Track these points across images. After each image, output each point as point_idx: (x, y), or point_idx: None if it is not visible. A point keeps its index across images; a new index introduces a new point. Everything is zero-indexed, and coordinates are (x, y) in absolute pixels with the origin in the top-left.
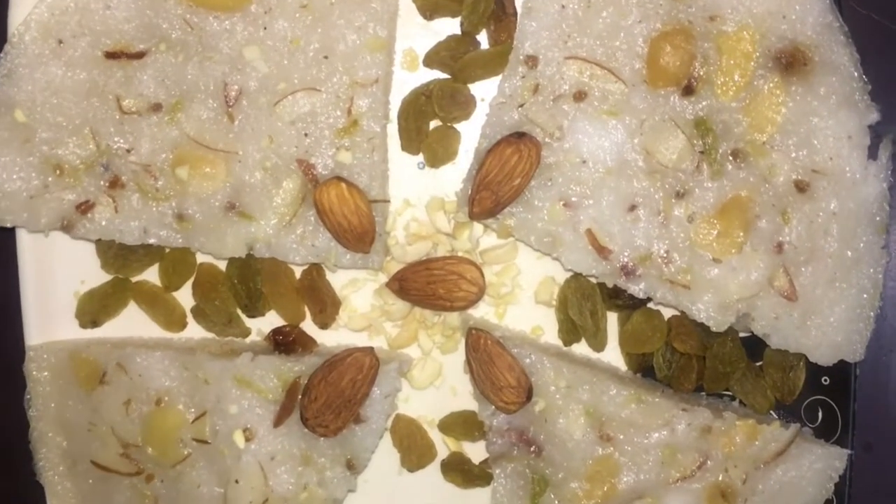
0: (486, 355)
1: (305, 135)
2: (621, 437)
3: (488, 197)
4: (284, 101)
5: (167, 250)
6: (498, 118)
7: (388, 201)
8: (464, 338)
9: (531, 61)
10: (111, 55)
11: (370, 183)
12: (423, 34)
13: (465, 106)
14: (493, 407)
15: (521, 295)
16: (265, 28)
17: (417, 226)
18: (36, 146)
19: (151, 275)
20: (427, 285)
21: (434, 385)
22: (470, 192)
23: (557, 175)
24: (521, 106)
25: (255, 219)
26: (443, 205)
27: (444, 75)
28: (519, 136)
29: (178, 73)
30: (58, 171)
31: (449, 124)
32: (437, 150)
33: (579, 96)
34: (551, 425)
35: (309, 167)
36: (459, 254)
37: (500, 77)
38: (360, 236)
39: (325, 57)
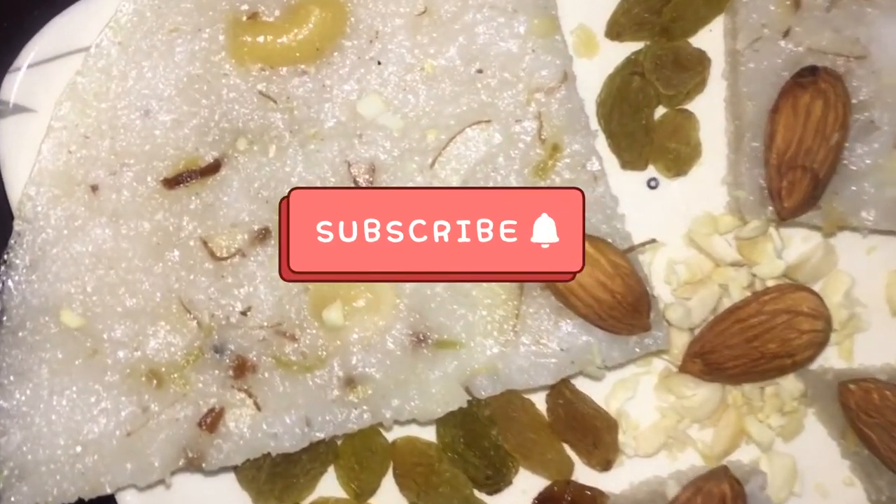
0: (891, 412)
1: None
2: None
3: (802, 177)
4: (444, 156)
5: (339, 443)
6: (758, 63)
7: (653, 241)
8: (813, 407)
9: None
10: (173, 182)
11: (610, 226)
12: (583, 2)
13: (699, 66)
14: None
15: (867, 314)
16: (378, 63)
17: (685, 269)
18: (109, 356)
19: (329, 486)
20: (748, 346)
21: (793, 492)
22: (765, 181)
23: (880, 110)
24: (787, 34)
25: (462, 343)
26: (714, 224)
27: (640, 44)
28: (812, 73)
29: (275, 175)
30: (154, 382)
31: (679, 108)
32: (678, 151)
33: None
34: None
35: None
36: (769, 283)
37: (723, 14)
38: (633, 307)
39: (479, 71)
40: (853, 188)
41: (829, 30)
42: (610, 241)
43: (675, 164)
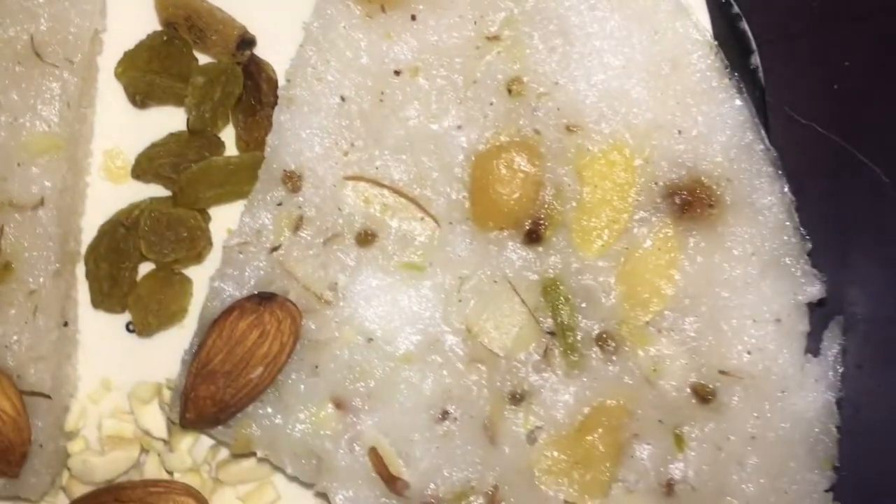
0: None
1: None
2: None
3: (208, 395)
4: None
5: None
6: (236, 268)
7: (49, 397)
8: None
9: (292, 180)
10: None
11: (28, 363)
12: (136, 127)
13: (188, 244)
14: None
15: None
16: None
17: (118, 423)
18: None
19: None
20: None
21: None
22: (184, 384)
23: (328, 359)
24: (275, 249)
25: None
26: (159, 393)
27: (166, 192)
28: (264, 301)
29: None
30: None
31: (174, 269)
32: (149, 308)
33: (366, 238)
34: None
35: None
36: (176, 475)
37: (245, 202)
38: (1, 452)
39: None
40: (274, 422)
41: (315, 262)
42: (18, 378)
43: (147, 322)
